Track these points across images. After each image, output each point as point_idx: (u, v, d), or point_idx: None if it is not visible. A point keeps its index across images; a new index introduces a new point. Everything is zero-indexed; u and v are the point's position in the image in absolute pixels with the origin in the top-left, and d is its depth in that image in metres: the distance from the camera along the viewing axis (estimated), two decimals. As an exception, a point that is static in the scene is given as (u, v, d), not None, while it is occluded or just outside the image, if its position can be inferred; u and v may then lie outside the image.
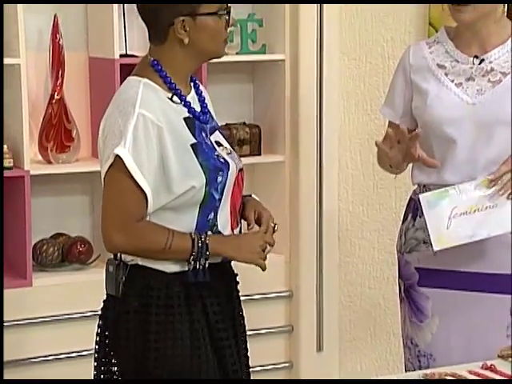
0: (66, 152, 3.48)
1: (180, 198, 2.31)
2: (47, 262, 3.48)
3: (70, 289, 3.42)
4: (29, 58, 3.38)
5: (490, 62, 2.66)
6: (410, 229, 2.78)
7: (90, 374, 2.45)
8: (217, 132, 2.46)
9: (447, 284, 2.70)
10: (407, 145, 2.55)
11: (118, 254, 2.37)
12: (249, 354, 2.51)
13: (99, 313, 2.44)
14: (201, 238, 2.32)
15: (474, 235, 2.57)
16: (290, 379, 3.85)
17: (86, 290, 3.27)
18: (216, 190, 2.35)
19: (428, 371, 2.29)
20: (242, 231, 2.48)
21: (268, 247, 2.41)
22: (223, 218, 2.39)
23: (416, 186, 2.79)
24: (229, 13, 2.36)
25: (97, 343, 2.41)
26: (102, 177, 2.31)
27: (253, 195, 2.55)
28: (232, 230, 2.42)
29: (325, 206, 3.82)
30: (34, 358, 3.39)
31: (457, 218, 2.57)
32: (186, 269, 2.33)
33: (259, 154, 3.77)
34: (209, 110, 2.47)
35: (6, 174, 3.31)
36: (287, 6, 3.69)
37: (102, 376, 2.40)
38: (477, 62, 2.67)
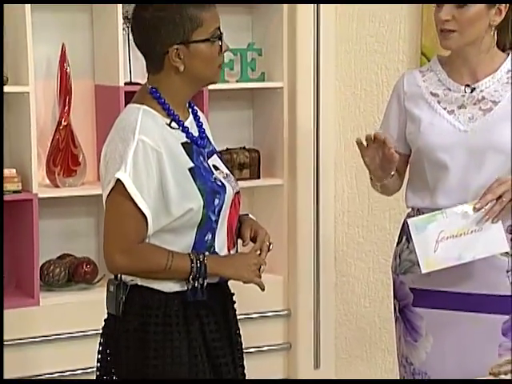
0: (72, 176, 3.48)
1: (178, 219, 2.30)
2: (54, 281, 3.48)
3: (76, 308, 3.42)
4: (37, 85, 3.40)
5: (481, 91, 2.65)
6: (404, 251, 2.77)
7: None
8: (214, 156, 2.46)
9: (441, 304, 2.69)
10: (380, 146, 2.56)
11: (119, 275, 2.37)
12: (246, 371, 2.50)
13: (101, 328, 2.43)
14: (199, 258, 2.31)
15: (460, 258, 2.56)
16: (289, 379, 3.84)
17: (91, 308, 3.25)
18: (213, 212, 2.34)
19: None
20: (239, 250, 2.48)
21: (262, 266, 2.41)
22: (220, 239, 2.39)
23: (410, 209, 2.78)
24: (221, 39, 2.35)
25: (98, 361, 2.41)
26: (104, 200, 2.31)
27: (250, 215, 2.55)
28: (229, 250, 2.42)
29: (321, 228, 3.82)
30: (41, 375, 3.38)
31: (444, 241, 2.56)
32: (184, 288, 2.33)
33: (258, 178, 3.77)
34: (206, 135, 2.46)
35: (15, 197, 3.31)
36: (285, 35, 3.70)
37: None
38: (468, 90, 2.66)
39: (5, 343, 3.23)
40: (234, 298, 2.50)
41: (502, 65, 2.66)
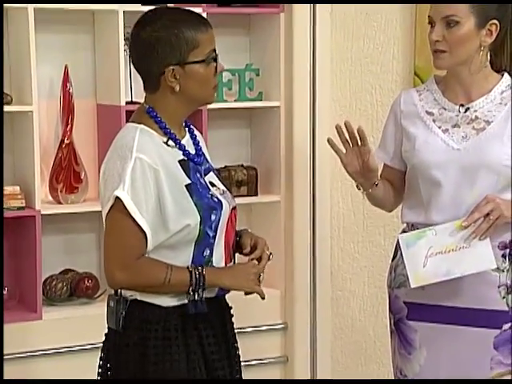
0: (74, 193, 3.48)
1: (176, 235, 2.30)
2: (56, 296, 3.47)
3: (78, 322, 3.41)
4: (41, 105, 3.41)
5: (475, 111, 2.65)
6: (399, 265, 2.76)
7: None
8: (211, 173, 2.45)
9: (434, 318, 2.68)
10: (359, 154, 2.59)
11: (119, 290, 2.36)
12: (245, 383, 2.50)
13: (102, 343, 2.43)
14: (198, 270, 2.31)
15: (448, 274, 2.56)
16: (286, 379, 3.83)
17: (93, 323, 3.22)
18: (210, 228, 2.34)
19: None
20: (237, 261, 2.48)
21: (262, 275, 2.40)
22: (218, 254, 2.38)
23: (405, 224, 2.78)
24: (216, 60, 2.35)
25: (99, 374, 2.41)
26: (104, 218, 2.31)
27: (248, 229, 2.55)
28: (226, 265, 2.41)
29: (318, 243, 3.81)
30: (44, 387, 3.38)
31: (433, 257, 2.56)
32: (183, 302, 2.32)
33: (256, 195, 3.77)
34: (203, 153, 2.46)
35: (19, 213, 3.32)
36: (282, 56, 3.71)
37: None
38: (462, 110, 2.66)
39: (8, 357, 3.24)
40: (232, 311, 2.48)
41: (495, 86, 2.66)
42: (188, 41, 2.30)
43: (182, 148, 2.37)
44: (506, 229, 2.60)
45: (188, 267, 2.31)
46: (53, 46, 3.48)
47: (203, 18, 2.39)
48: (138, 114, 2.39)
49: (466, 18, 2.57)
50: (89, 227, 3.60)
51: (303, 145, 3.76)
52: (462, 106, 2.66)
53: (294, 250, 3.78)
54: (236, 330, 2.50)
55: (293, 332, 3.80)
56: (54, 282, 3.47)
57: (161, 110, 2.35)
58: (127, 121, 2.43)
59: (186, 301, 2.33)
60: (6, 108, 3.29)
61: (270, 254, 2.47)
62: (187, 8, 2.45)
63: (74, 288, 3.51)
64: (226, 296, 2.46)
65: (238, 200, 2.64)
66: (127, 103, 3.44)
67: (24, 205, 3.33)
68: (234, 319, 2.49)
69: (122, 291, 2.34)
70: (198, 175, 2.38)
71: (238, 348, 2.48)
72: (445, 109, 2.68)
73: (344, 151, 2.66)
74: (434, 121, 2.68)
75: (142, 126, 2.33)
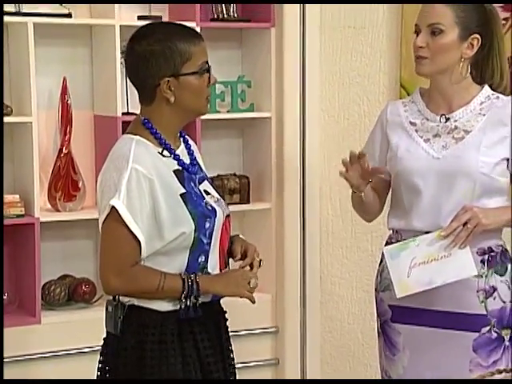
0: (72, 201, 3.48)
1: (171, 243, 2.31)
2: (55, 301, 3.47)
3: (75, 326, 3.41)
4: (40, 116, 3.40)
5: (455, 121, 2.67)
6: (384, 270, 2.76)
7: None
8: (205, 181, 2.46)
9: (417, 321, 2.69)
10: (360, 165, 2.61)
11: (116, 296, 2.35)
12: (238, 384, 2.50)
13: (101, 346, 2.43)
14: (190, 277, 2.31)
15: (431, 283, 2.57)
16: (285, 379, 3.83)
17: (90, 326, 3.23)
18: (204, 235, 2.34)
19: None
20: (230, 267, 2.48)
21: (252, 281, 2.40)
22: (213, 261, 2.39)
23: (391, 231, 2.79)
24: (209, 71, 2.36)
25: (98, 377, 2.41)
26: (100, 226, 2.32)
27: (240, 235, 2.55)
28: (221, 271, 2.42)
29: (308, 249, 3.82)
30: (42, 389, 3.38)
31: (416, 267, 2.56)
32: (178, 307, 2.32)
33: (248, 202, 3.77)
34: (197, 162, 2.47)
35: (18, 221, 3.32)
36: (273, 69, 3.72)
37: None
38: (443, 120, 2.68)
39: (8, 360, 3.24)
40: (226, 315, 2.49)
41: (475, 97, 2.68)
42: (181, 53, 2.30)
43: (176, 158, 2.37)
44: (484, 236, 2.61)
45: (181, 275, 2.32)
46: (52, 59, 3.48)
47: (195, 31, 2.40)
48: (134, 125, 2.39)
49: (451, 28, 2.60)
50: (86, 234, 3.59)
51: (293, 154, 3.76)
52: (443, 116, 2.68)
53: (284, 256, 3.79)
54: (230, 333, 2.50)
55: (284, 335, 3.80)
56: (52, 287, 3.47)
57: (156, 121, 2.36)
58: (123, 131, 2.43)
59: (182, 305, 2.32)
60: (7, 119, 3.29)
61: (260, 260, 2.48)
62: (180, 22, 2.48)
63: (71, 293, 3.51)
64: (221, 301, 2.46)
65: (231, 207, 2.64)
66: (123, 114, 3.44)
67: (23, 212, 3.33)
68: (227, 323, 2.49)
69: (120, 297, 2.34)
70: (193, 184, 2.38)
71: (232, 351, 2.48)
72: (427, 119, 2.70)
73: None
74: (416, 131, 2.70)
75: (137, 137, 2.33)
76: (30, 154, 3.32)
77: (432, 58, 2.62)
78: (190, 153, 2.46)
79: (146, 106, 2.38)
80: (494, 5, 2.71)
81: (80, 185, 3.49)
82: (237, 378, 2.50)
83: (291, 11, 3.69)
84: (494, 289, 2.66)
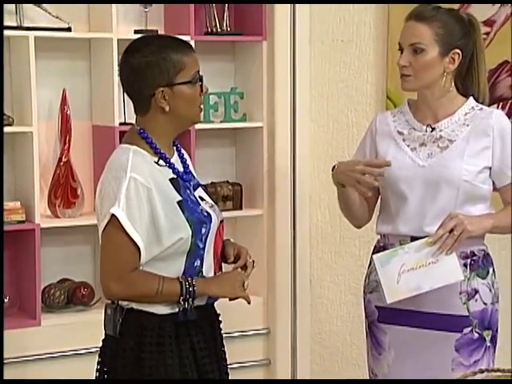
0: (71, 207, 3.48)
1: (169, 249, 2.32)
2: (54, 304, 3.47)
3: (74, 328, 3.41)
4: (40, 126, 3.40)
5: (440, 131, 2.69)
6: (372, 272, 2.78)
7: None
8: (199, 188, 2.47)
9: (402, 321, 2.70)
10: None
11: (106, 297, 2.36)
12: (231, 384, 2.52)
13: (99, 348, 2.43)
14: (187, 281, 2.32)
15: (419, 288, 2.57)
16: (280, 379, 3.84)
17: (88, 328, 3.24)
18: (200, 240, 2.36)
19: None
20: (224, 270, 2.49)
21: (247, 281, 2.42)
22: (207, 264, 2.40)
23: (379, 236, 2.81)
24: (201, 81, 2.37)
25: (96, 378, 2.41)
26: (100, 233, 2.32)
27: (230, 239, 2.57)
28: (215, 274, 2.43)
29: (298, 254, 3.82)
30: (42, 389, 3.38)
31: (405, 273, 2.57)
32: (176, 310, 2.33)
33: (241, 209, 3.77)
34: (190, 170, 2.48)
35: (19, 227, 3.32)
36: (265, 80, 3.72)
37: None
38: (429, 130, 2.70)
39: (9, 361, 3.24)
40: (220, 318, 2.50)
41: (460, 108, 2.70)
42: (175, 64, 2.31)
43: (171, 167, 2.38)
44: (467, 241, 2.62)
45: (179, 278, 2.32)
46: (52, 72, 3.48)
47: (187, 42, 2.41)
48: (130, 135, 2.40)
49: (431, 46, 2.62)
50: (85, 239, 3.59)
51: (284, 162, 3.77)
52: (429, 126, 2.70)
53: (275, 260, 3.79)
54: (223, 335, 2.52)
55: (275, 336, 3.80)
56: (52, 291, 3.47)
57: (151, 130, 2.36)
58: (121, 140, 2.44)
59: (179, 308, 2.33)
60: (8, 129, 3.29)
61: (253, 261, 2.49)
62: (171, 35, 2.50)
63: (70, 296, 3.50)
64: (215, 304, 2.47)
65: (224, 214, 2.65)
66: (121, 124, 3.44)
67: (24, 219, 3.33)
68: (221, 325, 2.50)
69: (119, 300, 2.35)
70: (188, 191, 2.39)
71: (225, 352, 2.50)
72: (414, 129, 2.72)
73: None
74: (403, 140, 2.72)
75: (134, 147, 2.34)
76: (30, 162, 3.32)
77: (416, 75, 2.64)
78: (183, 161, 2.47)
79: (142, 116, 2.38)
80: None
81: (79, 192, 3.49)
82: (229, 377, 2.51)
83: (282, 25, 3.70)
84: (476, 291, 2.68)
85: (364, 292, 2.84)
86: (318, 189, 3.88)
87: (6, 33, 3.28)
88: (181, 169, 2.42)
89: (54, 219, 3.47)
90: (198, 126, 3.62)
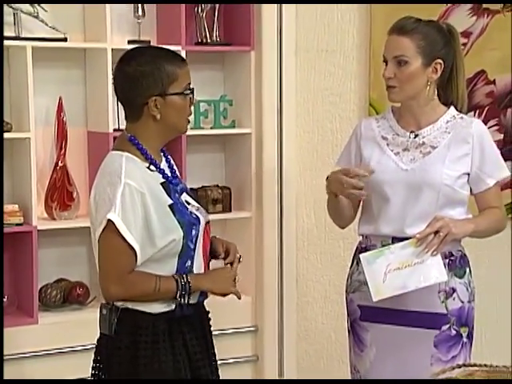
0: (67, 210, 3.48)
1: (162, 250, 2.32)
2: (51, 303, 3.47)
3: (70, 326, 3.40)
4: (37, 132, 3.39)
5: (423, 137, 2.70)
6: (354, 272, 2.80)
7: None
8: (184, 193, 2.48)
9: (383, 319, 2.71)
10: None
11: (105, 299, 2.37)
12: (221, 378, 2.52)
13: (95, 347, 2.44)
14: (182, 277, 2.33)
15: (404, 287, 2.57)
16: (282, 379, 3.85)
17: (84, 326, 3.23)
18: (191, 242, 2.37)
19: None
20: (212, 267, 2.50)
21: (237, 277, 2.44)
22: (198, 263, 2.41)
23: (360, 236, 2.82)
24: (192, 92, 2.39)
25: (92, 375, 2.41)
26: (96, 238, 2.32)
27: (217, 236, 2.58)
28: (205, 271, 2.44)
29: (285, 255, 3.83)
30: (40, 385, 3.38)
31: (391, 273, 2.57)
32: (169, 309, 2.34)
33: (230, 211, 3.77)
34: (177, 175, 2.49)
35: (17, 229, 3.31)
36: (253, 88, 3.72)
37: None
38: (412, 136, 2.71)
39: (7, 357, 3.24)
40: (210, 315, 2.51)
41: (442, 116, 2.72)
42: (169, 74, 2.32)
43: (161, 172, 2.39)
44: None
45: (174, 276, 2.33)
46: (48, 80, 3.46)
47: (180, 55, 2.42)
48: (121, 142, 2.40)
49: (414, 58, 2.63)
50: (80, 241, 3.58)
51: (272, 167, 3.77)
52: (412, 132, 2.72)
53: (263, 261, 3.79)
54: (213, 332, 2.52)
55: (262, 334, 3.80)
56: (48, 290, 3.46)
57: (141, 137, 2.36)
58: (114, 146, 2.45)
59: (172, 307, 2.34)
60: (7, 135, 3.28)
61: (240, 256, 2.50)
62: (165, 46, 2.51)
63: (66, 295, 3.49)
64: (204, 302, 2.48)
65: (214, 216, 2.68)
66: (115, 130, 3.43)
67: (22, 221, 3.32)
68: (211, 322, 2.51)
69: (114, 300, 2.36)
70: (177, 195, 2.40)
71: (214, 347, 2.51)
72: (398, 135, 2.74)
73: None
74: (387, 144, 2.74)
75: (126, 153, 2.34)
76: (28, 167, 3.31)
77: (401, 87, 2.65)
78: (170, 166, 2.47)
79: (133, 123, 2.38)
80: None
81: (74, 195, 3.49)
82: (220, 372, 2.52)
83: (269, 36, 3.71)
84: (454, 290, 2.70)
85: (346, 291, 2.84)
86: (304, 192, 3.89)
87: (5, 43, 3.27)
88: (169, 173, 2.43)
89: (50, 221, 3.47)
90: (189, 132, 3.57)
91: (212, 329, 2.52)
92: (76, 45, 3.50)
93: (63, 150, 3.46)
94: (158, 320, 2.33)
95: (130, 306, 2.34)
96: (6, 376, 3.10)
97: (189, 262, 2.38)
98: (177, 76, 2.33)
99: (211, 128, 3.74)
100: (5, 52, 3.34)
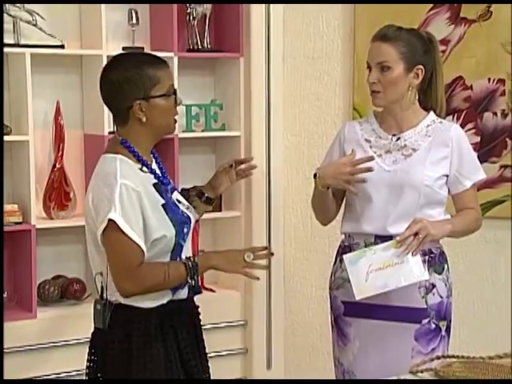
0: (65, 210, 3.48)
1: (155, 247, 2.31)
2: (49, 298, 3.47)
3: (67, 320, 3.41)
4: (36, 135, 3.39)
5: (405, 140, 2.70)
6: (337, 270, 2.80)
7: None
8: (175, 191, 2.47)
9: (366, 314, 2.71)
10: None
11: (104, 295, 2.35)
12: (210, 370, 2.52)
13: (89, 340, 2.43)
14: (190, 260, 2.32)
15: (386, 286, 2.56)
16: (279, 379, 3.86)
17: (80, 321, 3.21)
18: (182, 239, 2.37)
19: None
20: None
21: (247, 254, 2.40)
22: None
23: (343, 235, 2.82)
24: (175, 93, 2.37)
25: (87, 367, 2.41)
26: (99, 238, 2.30)
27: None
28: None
29: (273, 252, 3.85)
30: (39, 377, 3.37)
31: (373, 272, 2.56)
32: (161, 303, 2.34)
33: (220, 210, 3.78)
34: (167, 175, 2.49)
35: (16, 227, 3.31)
36: (242, 93, 3.73)
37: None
38: (394, 139, 2.72)
39: (7, 350, 3.24)
40: (200, 310, 2.51)
41: (422, 120, 2.72)
42: (151, 78, 2.30)
43: (153, 172, 2.38)
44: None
45: (181, 261, 2.32)
46: (46, 85, 3.48)
47: (161, 58, 2.39)
48: (113, 145, 2.38)
49: (396, 63, 2.64)
50: (77, 239, 3.57)
51: (260, 168, 3.70)
52: (394, 135, 2.72)
53: (252, 258, 3.82)
54: (205, 326, 2.52)
55: (251, 327, 3.82)
56: (46, 286, 3.47)
57: (132, 140, 2.35)
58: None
59: (163, 302, 2.34)
60: (6, 138, 3.28)
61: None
62: (147, 51, 2.49)
63: (64, 291, 3.50)
64: (196, 298, 2.48)
65: (205, 215, 2.67)
66: (110, 133, 3.41)
67: (21, 220, 3.33)
68: (203, 317, 2.49)
69: (108, 296, 2.34)
70: (169, 195, 2.40)
71: (204, 340, 2.50)
72: (380, 137, 2.74)
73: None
74: (370, 147, 2.73)
75: (119, 156, 2.32)
76: (27, 168, 3.32)
77: (384, 91, 2.65)
78: (160, 167, 2.47)
79: (122, 128, 2.37)
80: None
81: (71, 195, 3.49)
82: (210, 364, 2.52)
83: (257, 43, 3.72)
84: (433, 285, 2.70)
85: (330, 288, 2.84)
86: (291, 192, 3.90)
87: (5, 50, 3.27)
88: (160, 174, 2.43)
89: (48, 220, 3.47)
90: (182, 135, 3.64)
91: (204, 323, 2.51)
92: (73, 52, 3.50)
93: (61, 152, 3.47)
94: (150, 314, 2.32)
95: (122, 301, 2.33)
96: (6, 368, 3.09)
97: (179, 258, 2.37)
98: (159, 79, 2.31)
99: (202, 131, 3.75)
100: (4, 58, 3.35)
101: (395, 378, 2.19)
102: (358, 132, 2.77)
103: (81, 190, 3.53)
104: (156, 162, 2.46)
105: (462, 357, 2.23)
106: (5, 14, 3.34)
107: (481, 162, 2.79)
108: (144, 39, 3.67)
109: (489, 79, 3.48)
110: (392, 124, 2.73)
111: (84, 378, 2.42)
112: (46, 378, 3.37)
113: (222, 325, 3.73)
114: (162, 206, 2.34)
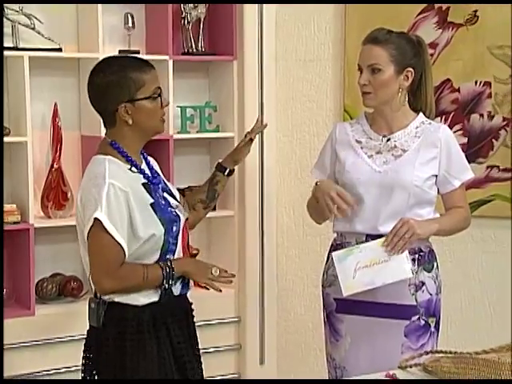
0: (62, 209, 3.47)
1: (145, 245, 2.31)
2: (47, 296, 3.46)
3: (65, 317, 3.40)
4: (34, 136, 3.38)
5: (395, 141, 2.70)
6: (329, 268, 2.79)
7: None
8: (165, 192, 2.47)
9: (358, 311, 2.71)
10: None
11: (98, 294, 2.35)
12: (204, 366, 2.51)
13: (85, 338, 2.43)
14: (166, 263, 2.33)
15: (372, 283, 2.57)
16: (277, 379, 3.85)
17: (77, 318, 3.21)
18: (172, 237, 2.37)
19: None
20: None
21: (214, 269, 2.41)
22: (178, 257, 2.41)
23: (335, 233, 2.82)
24: (160, 95, 2.36)
25: (83, 364, 2.41)
26: (85, 236, 2.30)
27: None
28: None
29: (266, 250, 3.83)
30: (38, 372, 3.36)
31: (360, 270, 2.57)
32: (153, 301, 2.34)
33: (214, 210, 3.69)
34: (159, 174, 2.48)
35: (15, 227, 3.30)
36: (236, 95, 3.72)
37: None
38: (385, 140, 2.71)
39: (6, 347, 3.23)
40: (194, 307, 2.51)
41: (412, 121, 2.72)
42: (135, 81, 2.30)
43: (142, 172, 2.38)
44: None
45: (159, 264, 2.33)
46: (44, 87, 3.47)
47: (147, 61, 2.38)
48: (103, 146, 2.39)
49: (387, 66, 2.63)
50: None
51: (253, 168, 3.77)
52: (385, 136, 2.72)
53: (245, 256, 3.79)
54: (199, 323, 2.52)
55: (245, 324, 3.81)
56: (44, 284, 3.46)
57: (121, 141, 2.35)
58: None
59: (155, 299, 2.34)
60: (5, 139, 3.27)
61: (232, 274, 2.49)
62: (133, 55, 2.48)
63: (61, 289, 3.49)
64: (190, 295, 2.48)
65: (199, 214, 2.67)
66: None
67: (19, 220, 3.32)
68: (197, 313, 2.50)
69: (101, 295, 2.35)
70: (158, 194, 2.39)
71: (197, 337, 2.50)
72: (371, 138, 2.73)
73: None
74: (361, 148, 2.73)
75: (109, 157, 2.33)
76: (25, 168, 3.31)
77: (375, 93, 2.65)
78: (150, 167, 2.46)
79: (110, 129, 2.37)
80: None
81: (69, 195, 3.48)
82: (204, 360, 2.52)
83: (250, 46, 3.71)
84: (423, 283, 2.70)
85: (322, 286, 2.84)
86: (284, 192, 3.90)
87: (4, 53, 3.26)
88: (150, 174, 2.42)
89: (46, 220, 3.46)
90: (177, 136, 3.63)
91: (198, 320, 2.52)
92: (70, 55, 3.49)
93: (58, 153, 3.46)
94: (143, 312, 2.33)
95: (116, 299, 2.33)
96: (6, 364, 3.08)
97: (170, 256, 2.37)
98: (144, 82, 2.31)
99: (197, 132, 3.74)
100: (4, 62, 3.33)
101: (384, 373, 2.18)
102: (349, 133, 2.77)
103: (78, 189, 3.51)
104: (146, 162, 2.45)
105: (450, 352, 2.23)
106: (4, 18, 3.32)
107: (468, 163, 2.79)
108: (140, 42, 3.66)
109: (476, 82, 3.48)
110: (382, 125, 2.72)
111: (80, 374, 2.42)
112: (45, 373, 3.36)
113: (216, 321, 3.72)
114: (151, 205, 2.34)
